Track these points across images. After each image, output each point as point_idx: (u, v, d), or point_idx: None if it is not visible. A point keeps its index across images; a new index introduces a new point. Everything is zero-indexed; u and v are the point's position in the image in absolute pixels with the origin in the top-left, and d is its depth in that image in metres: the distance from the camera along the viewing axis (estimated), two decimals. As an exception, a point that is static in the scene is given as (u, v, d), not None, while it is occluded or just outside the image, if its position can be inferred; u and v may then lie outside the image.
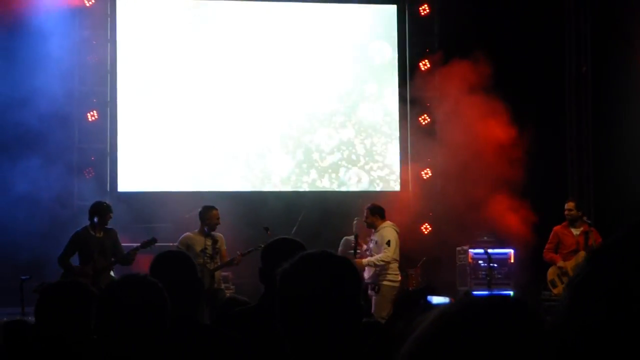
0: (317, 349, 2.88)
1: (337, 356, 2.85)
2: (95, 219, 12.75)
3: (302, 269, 2.99)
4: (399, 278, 13.38)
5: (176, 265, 4.93)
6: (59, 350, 3.60)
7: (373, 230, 13.41)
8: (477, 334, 1.49)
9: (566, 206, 13.64)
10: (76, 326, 3.65)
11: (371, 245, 13.38)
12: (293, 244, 5.09)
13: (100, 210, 12.84)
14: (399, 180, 17.05)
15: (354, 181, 16.94)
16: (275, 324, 3.05)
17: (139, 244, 12.84)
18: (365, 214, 13.48)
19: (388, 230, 13.32)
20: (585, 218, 13.85)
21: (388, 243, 13.17)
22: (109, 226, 12.98)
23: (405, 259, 15.32)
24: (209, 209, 13.23)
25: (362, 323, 3.05)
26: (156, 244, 12.89)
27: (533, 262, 14.26)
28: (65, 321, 3.65)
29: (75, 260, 12.81)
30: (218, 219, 13.15)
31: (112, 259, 12.75)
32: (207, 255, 12.90)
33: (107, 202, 13.31)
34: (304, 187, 16.80)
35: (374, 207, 13.53)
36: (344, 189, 16.75)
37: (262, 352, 4.33)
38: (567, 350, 1.41)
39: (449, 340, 1.51)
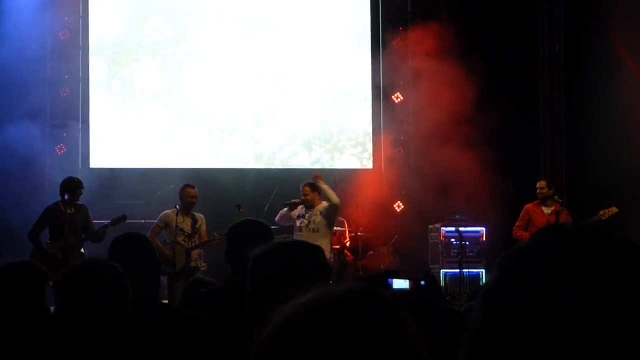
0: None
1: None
2: (66, 196, 12.71)
3: (275, 255, 3.01)
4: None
5: (135, 247, 4.93)
6: (14, 335, 3.58)
7: (307, 208, 13.66)
8: (327, 326, 1.48)
9: (538, 185, 13.72)
10: (30, 308, 3.63)
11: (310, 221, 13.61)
12: (258, 226, 5.12)
13: (70, 186, 12.80)
14: (372, 158, 17.05)
15: (326, 159, 16.92)
16: (242, 305, 3.06)
17: (109, 221, 12.82)
18: (305, 191, 13.58)
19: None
20: (557, 197, 13.93)
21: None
22: (80, 202, 12.94)
23: (378, 237, 15.37)
24: (183, 187, 13.30)
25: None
26: (128, 221, 12.89)
27: (505, 240, 14.31)
28: (18, 303, 3.63)
29: (46, 238, 12.79)
30: (192, 197, 13.16)
31: (83, 236, 12.72)
32: (185, 233, 12.91)
33: (79, 178, 13.23)
34: (277, 165, 16.78)
35: (314, 185, 13.66)
36: (317, 166, 16.72)
37: (226, 333, 4.33)
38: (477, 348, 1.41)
39: (298, 332, 1.49)
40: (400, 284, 5.87)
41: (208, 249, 13.52)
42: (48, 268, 4.18)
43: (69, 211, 12.71)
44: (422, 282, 6.36)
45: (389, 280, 5.25)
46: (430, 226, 15.74)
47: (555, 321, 1.33)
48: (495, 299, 1.41)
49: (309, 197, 13.63)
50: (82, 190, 12.93)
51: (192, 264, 13.05)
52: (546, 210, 13.63)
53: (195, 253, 13.17)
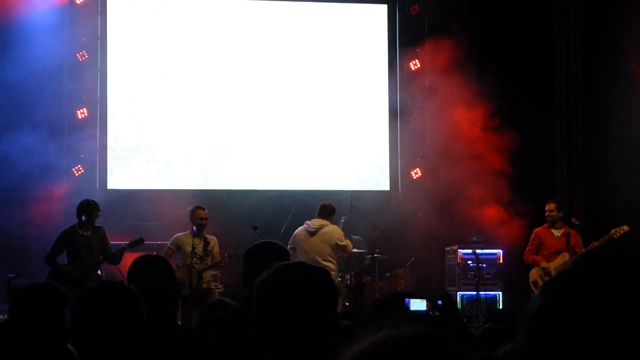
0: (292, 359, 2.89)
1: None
2: (83, 217, 12.73)
3: (278, 279, 3.00)
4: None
5: (153, 270, 4.94)
6: (32, 353, 3.59)
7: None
8: None
9: (547, 207, 13.65)
10: (50, 328, 3.64)
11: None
12: (275, 248, 5.12)
13: (87, 209, 12.81)
14: (388, 180, 17.04)
15: (343, 180, 16.92)
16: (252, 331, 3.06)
17: (126, 243, 12.83)
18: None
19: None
20: (573, 219, 13.87)
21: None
22: (97, 224, 12.96)
23: (395, 259, 15.35)
24: (194, 209, 13.27)
25: (339, 331, 3.06)
26: (145, 242, 12.90)
27: (522, 263, 14.27)
28: (39, 323, 3.64)
29: (63, 259, 12.80)
30: (202, 218, 13.13)
31: (100, 258, 12.73)
32: (197, 256, 12.88)
33: (95, 200, 13.25)
34: (294, 186, 16.78)
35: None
36: (334, 188, 16.72)
37: (241, 357, 4.33)
38: None
39: None
40: (417, 304, 5.84)
41: (226, 270, 13.52)
42: (66, 289, 4.20)
43: (86, 234, 12.73)
44: (440, 302, 6.36)
45: (406, 300, 5.24)
46: (447, 248, 15.71)
47: (601, 345, 1.36)
48: (542, 323, 1.44)
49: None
50: (99, 212, 12.94)
51: (204, 285, 13.04)
52: (556, 232, 13.56)
53: (207, 275, 13.16)
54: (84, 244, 12.61)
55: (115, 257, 12.74)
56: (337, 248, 13.40)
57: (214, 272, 13.82)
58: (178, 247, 13.07)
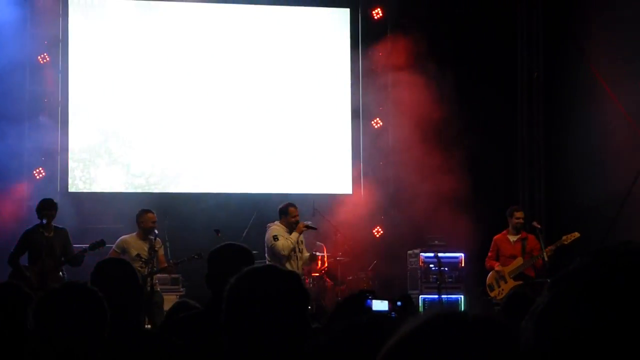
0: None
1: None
2: (44, 220, 12.64)
3: (248, 283, 3.00)
4: None
5: (117, 273, 4.91)
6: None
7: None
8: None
9: (517, 214, 13.87)
10: (10, 329, 3.59)
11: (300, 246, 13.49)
12: (239, 249, 5.11)
13: (42, 207, 12.74)
14: (351, 183, 17.06)
15: (306, 183, 16.91)
16: (221, 334, 3.06)
17: (87, 246, 12.75)
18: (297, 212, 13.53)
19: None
20: (534, 223, 14.03)
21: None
22: (60, 226, 12.89)
23: (357, 262, 15.37)
24: (143, 212, 13.18)
25: (310, 334, 3.07)
26: (106, 245, 12.83)
27: (484, 267, 14.33)
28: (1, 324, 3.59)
29: (25, 260, 12.72)
30: (153, 222, 13.06)
31: (62, 259, 12.66)
32: (143, 259, 12.79)
33: (52, 199, 13.14)
34: (257, 190, 16.75)
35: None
36: (296, 191, 16.71)
37: (205, 358, 4.32)
38: None
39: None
40: (379, 305, 5.88)
41: (189, 272, 13.49)
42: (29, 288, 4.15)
43: (48, 234, 12.66)
44: (399, 303, 6.38)
45: (368, 301, 5.26)
46: (409, 252, 15.73)
47: (608, 340, 1.38)
48: (549, 320, 1.46)
49: (298, 218, 13.50)
50: (54, 210, 12.83)
51: (148, 288, 12.91)
52: (512, 238, 13.90)
53: (154, 277, 13.03)
54: (46, 244, 12.53)
55: (76, 259, 12.68)
56: (270, 250, 13.29)
57: (174, 276, 13.79)
58: (123, 249, 12.95)
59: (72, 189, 16.15)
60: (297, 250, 13.27)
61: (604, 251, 1.48)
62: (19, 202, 15.25)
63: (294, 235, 13.24)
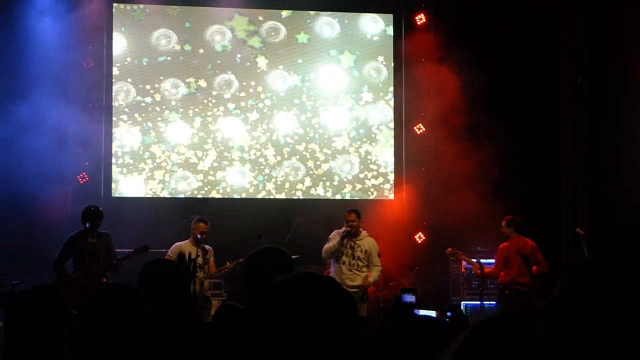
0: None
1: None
2: (87, 224, 12.74)
3: (298, 288, 2.97)
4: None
5: (164, 273, 4.94)
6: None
7: (349, 236, 13.28)
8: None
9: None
10: (47, 334, 3.60)
11: (357, 253, 13.26)
12: (278, 254, 5.09)
13: (89, 215, 12.83)
14: (393, 189, 17.05)
15: (348, 189, 16.93)
16: (261, 335, 3.03)
17: (131, 251, 12.84)
18: (352, 217, 13.35)
19: (373, 240, 13.33)
20: (578, 229, 13.96)
21: (379, 255, 13.20)
22: (103, 231, 12.98)
23: (399, 268, 15.34)
24: (196, 221, 13.24)
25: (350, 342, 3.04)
26: (150, 250, 12.91)
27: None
28: (36, 329, 3.59)
29: (70, 267, 12.83)
30: (203, 232, 13.11)
31: (105, 265, 12.75)
32: (197, 264, 12.86)
33: (97, 206, 13.25)
34: (298, 195, 16.79)
35: (358, 212, 13.47)
36: (338, 197, 16.74)
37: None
38: None
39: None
40: (426, 314, 5.85)
41: (229, 279, 13.52)
42: (73, 294, 4.17)
43: (91, 240, 12.75)
44: (449, 314, 6.31)
45: (404, 297, 5.24)
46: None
47: (623, 334, 1.38)
48: (563, 312, 1.46)
49: (356, 224, 13.30)
50: (100, 220, 12.93)
51: (204, 293, 13.06)
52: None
53: (205, 283, 13.15)
54: (89, 250, 12.63)
55: (115, 266, 12.78)
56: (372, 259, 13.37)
57: (216, 281, 13.84)
58: (178, 255, 13.00)
59: (115, 194, 16.25)
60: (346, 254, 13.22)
61: (620, 246, 1.48)
62: (62, 208, 15.36)
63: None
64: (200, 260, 12.92)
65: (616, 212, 15.67)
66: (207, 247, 13.21)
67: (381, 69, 17.27)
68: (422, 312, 5.60)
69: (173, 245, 13.21)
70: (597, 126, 16.70)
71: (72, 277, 12.49)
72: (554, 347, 1.44)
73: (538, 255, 13.79)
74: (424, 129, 17.02)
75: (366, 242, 13.26)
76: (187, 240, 13.16)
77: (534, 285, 13.59)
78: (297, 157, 16.82)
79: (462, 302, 14.99)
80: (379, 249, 13.29)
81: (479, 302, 14.46)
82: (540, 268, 13.72)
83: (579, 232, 13.95)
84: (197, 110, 16.59)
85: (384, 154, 17.13)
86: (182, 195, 16.33)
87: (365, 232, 13.42)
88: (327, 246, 13.16)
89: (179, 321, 4.80)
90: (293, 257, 5.37)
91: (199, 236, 13.03)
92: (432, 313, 5.86)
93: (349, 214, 13.35)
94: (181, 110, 16.55)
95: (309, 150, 16.85)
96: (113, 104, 16.37)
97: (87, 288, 12.08)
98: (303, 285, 2.99)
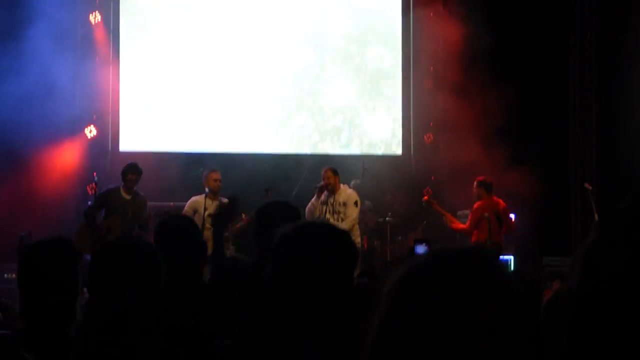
0: (305, 316, 2.88)
1: (323, 324, 2.86)
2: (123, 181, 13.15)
3: (302, 236, 2.98)
4: (359, 240, 13.51)
5: (180, 226, 4.94)
6: (46, 316, 3.53)
7: (329, 193, 13.48)
8: (443, 285, 1.52)
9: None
10: (62, 285, 3.58)
11: (336, 207, 13.42)
12: (287, 207, 5.10)
13: (123, 170, 13.27)
14: (401, 144, 17.02)
15: (355, 144, 16.91)
16: (266, 284, 3.04)
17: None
18: (327, 175, 13.50)
19: (352, 192, 13.57)
20: (587, 184, 13.96)
21: (356, 204, 13.31)
22: (142, 193, 13.27)
23: (407, 223, 15.35)
24: (207, 173, 13.30)
25: (354, 292, 3.05)
26: (156, 203, 13.08)
27: (535, 229, 14.26)
28: (50, 280, 3.57)
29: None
30: (216, 180, 13.19)
31: (132, 224, 12.99)
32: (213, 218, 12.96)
33: (137, 163, 13.48)
34: (306, 150, 16.77)
35: (335, 169, 13.61)
36: (345, 152, 16.72)
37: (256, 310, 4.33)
38: (584, 312, 1.44)
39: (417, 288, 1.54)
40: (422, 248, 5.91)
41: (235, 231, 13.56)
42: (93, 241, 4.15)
43: (125, 197, 13.10)
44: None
45: (417, 248, 5.27)
46: (459, 212, 15.66)
47: None
48: (595, 259, 1.46)
49: (331, 181, 13.49)
50: (134, 175, 13.22)
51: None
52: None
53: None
54: (120, 206, 13.00)
55: (144, 226, 12.95)
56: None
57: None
58: (195, 210, 13.09)
59: (122, 148, 16.25)
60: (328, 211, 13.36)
61: None
62: (70, 160, 15.39)
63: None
64: (213, 213, 13.01)
65: (624, 169, 15.65)
66: (223, 199, 13.20)
67: (392, 24, 17.16)
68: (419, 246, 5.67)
69: (189, 200, 13.32)
70: (606, 80, 16.62)
71: (95, 226, 12.67)
72: (589, 292, 1.44)
73: (507, 216, 13.85)
74: (432, 84, 16.94)
75: (344, 194, 13.50)
76: (203, 195, 13.18)
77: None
78: (304, 111, 16.78)
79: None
80: (357, 199, 13.51)
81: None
82: (510, 229, 13.84)
83: (587, 188, 13.93)
84: (205, 63, 16.53)
85: (392, 109, 17.07)
86: (190, 151, 16.30)
87: (345, 186, 13.63)
88: (307, 207, 13.43)
89: (191, 292, 4.77)
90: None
91: (209, 188, 13.07)
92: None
93: (325, 172, 13.58)
94: (190, 63, 16.49)
95: (316, 105, 16.81)
96: (120, 55, 16.33)
97: (104, 239, 12.23)
98: (305, 233, 3.00)
